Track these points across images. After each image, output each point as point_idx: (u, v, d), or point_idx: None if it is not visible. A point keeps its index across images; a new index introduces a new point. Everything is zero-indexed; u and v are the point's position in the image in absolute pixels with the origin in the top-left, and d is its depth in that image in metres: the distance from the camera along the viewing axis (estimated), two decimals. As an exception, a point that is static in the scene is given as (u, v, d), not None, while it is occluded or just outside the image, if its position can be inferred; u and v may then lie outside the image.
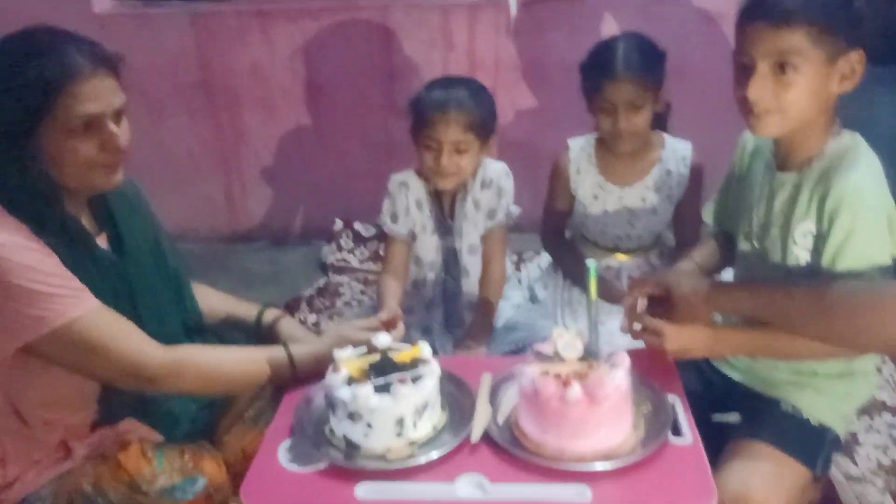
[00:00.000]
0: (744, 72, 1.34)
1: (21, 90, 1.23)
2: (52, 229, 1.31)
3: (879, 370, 2.05)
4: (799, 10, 1.29)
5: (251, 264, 2.89)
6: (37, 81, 1.23)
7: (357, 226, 2.92)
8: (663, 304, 1.46)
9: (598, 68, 1.91)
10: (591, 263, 1.30)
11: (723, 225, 1.67)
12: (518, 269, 2.38)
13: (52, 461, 1.37)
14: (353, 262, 2.83)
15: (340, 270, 2.78)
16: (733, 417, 1.60)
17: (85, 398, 1.40)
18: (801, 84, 1.31)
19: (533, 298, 2.16)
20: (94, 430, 1.42)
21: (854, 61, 1.32)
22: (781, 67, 1.31)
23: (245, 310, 1.72)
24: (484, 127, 1.80)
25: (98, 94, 1.28)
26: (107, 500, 1.27)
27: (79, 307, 1.28)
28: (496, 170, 1.92)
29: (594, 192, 2.06)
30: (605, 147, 2.03)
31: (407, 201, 1.91)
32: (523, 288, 2.21)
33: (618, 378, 1.23)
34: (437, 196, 1.92)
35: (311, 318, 2.47)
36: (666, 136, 2.04)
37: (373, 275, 2.69)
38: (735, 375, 1.58)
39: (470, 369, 1.43)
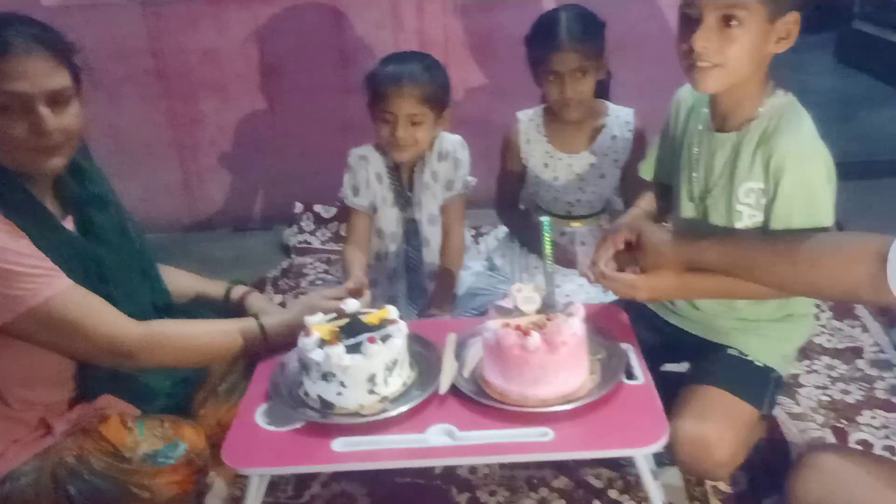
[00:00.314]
0: (689, 24, 1.38)
1: None
2: (20, 211, 1.33)
3: (817, 316, 2.19)
4: None
5: (213, 251, 2.90)
6: None
7: (317, 207, 2.95)
8: (631, 250, 1.50)
9: (542, 39, 1.99)
10: (544, 219, 1.37)
11: (660, 179, 1.72)
12: (476, 242, 2.46)
13: (33, 439, 1.40)
14: (315, 243, 2.87)
15: (303, 252, 2.82)
16: (683, 367, 1.68)
17: (62, 376, 1.43)
18: (744, 39, 1.35)
19: (492, 267, 2.24)
20: (72, 408, 1.45)
21: (790, 22, 1.38)
22: (726, 20, 1.34)
23: (213, 288, 1.75)
24: (437, 99, 1.87)
25: (28, 74, 1.27)
26: (91, 470, 1.30)
27: (54, 286, 1.31)
28: (452, 141, 1.98)
29: (544, 160, 2.14)
30: (553, 117, 2.11)
31: (367, 174, 1.97)
32: (482, 258, 2.29)
33: (574, 326, 1.31)
34: (396, 169, 1.98)
35: (277, 298, 2.51)
36: (608, 103, 2.13)
37: (335, 255, 2.74)
38: (684, 325, 1.66)
39: (436, 331, 1.50)
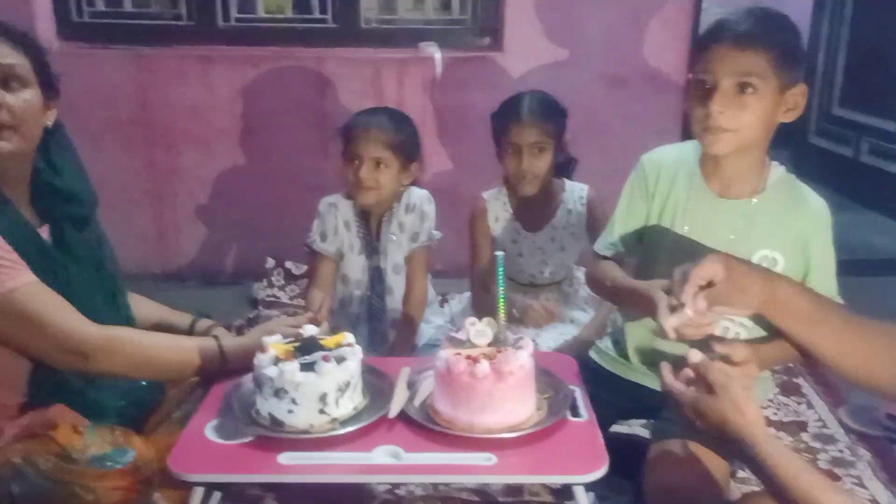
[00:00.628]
0: (703, 91, 1.43)
1: None
2: None
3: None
4: (763, 35, 1.42)
5: (180, 300, 2.91)
6: None
7: (288, 264, 3.01)
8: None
9: (505, 115, 2.15)
10: (498, 254, 1.44)
11: (629, 248, 1.68)
12: (441, 306, 2.51)
13: (-20, 441, 1.39)
14: (284, 297, 2.91)
15: (270, 305, 2.86)
16: (632, 429, 1.71)
17: (15, 379, 1.43)
18: (757, 106, 1.42)
19: (455, 327, 2.29)
20: (24, 413, 1.44)
21: (798, 94, 1.45)
22: (742, 88, 1.41)
23: (178, 318, 1.77)
24: (403, 148, 1.98)
25: None
26: (37, 470, 1.28)
27: (18, 279, 1.34)
28: (420, 195, 2.08)
29: (512, 237, 2.25)
30: (516, 196, 2.22)
31: (336, 221, 2.05)
32: (445, 318, 2.34)
33: (521, 358, 1.36)
34: (364, 218, 2.06)
35: (239, 347, 2.53)
36: (566, 181, 2.26)
37: (302, 310, 2.77)
38: (644, 381, 1.66)
39: (391, 367, 1.52)
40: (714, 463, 1.44)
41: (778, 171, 1.55)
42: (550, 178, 2.18)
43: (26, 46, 1.41)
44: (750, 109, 1.42)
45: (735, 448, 1.10)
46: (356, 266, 2.08)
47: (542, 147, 2.09)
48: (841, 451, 1.95)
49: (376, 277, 2.08)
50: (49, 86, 1.46)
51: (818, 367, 1.48)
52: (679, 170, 1.60)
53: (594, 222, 2.18)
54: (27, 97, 1.39)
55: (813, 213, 1.52)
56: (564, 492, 1.71)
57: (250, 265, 3.06)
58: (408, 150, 1.99)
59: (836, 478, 1.86)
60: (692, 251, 1.48)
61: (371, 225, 2.07)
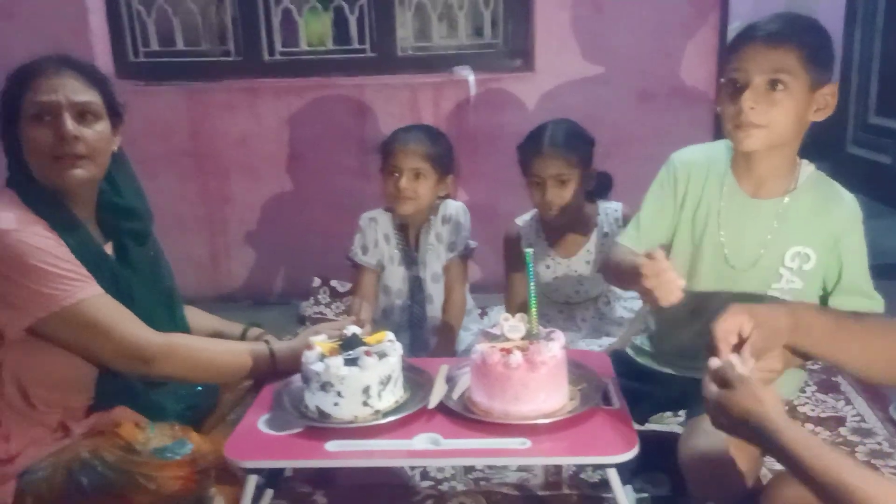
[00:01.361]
0: (736, 88, 1.47)
1: (4, 92, 1.48)
2: (63, 227, 1.49)
3: (803, 389, 2.25)
4: (793, 34, 1.46)
5: (231, 320, 3.05)
6: (11, 82, 1.47)
7: (334, 282, 3.12)
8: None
9: (529, 146, 2.14)
10: (527, 251, 1.51)
11: (651, 242, 1.69)
12: (481, 318, 2.59)
13: (52, 440, 1.50)
14: (330, 315, 3.01)
15: (317, 322, 2.95)
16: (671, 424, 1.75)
17: (83, 382, 1.54)
18: (788, 103, 1.45)
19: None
20: (90, 415, 1.55)
21: (829, 94, 1.49)
22: (773, 85, 1.45)
23: (230, 328, 1.88)
24: (439, 160, 2.08)
25: (57, 88, 1.47)
26: (103, 463, 1.39)
27: (86, 290, 1.46)
28: (455, 207, 2.18)
29: (546, 263, 2.24)
30: (547, 222, 2.22)
31: (376, 235, 2.16)
32: (485, 325, 2.41)
33: (553, 349, 1.42)
34: (403, 230, 2.17)
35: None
36: (599, 202, 2.24)
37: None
38: (678, 371, 1.70)
39: (431, 366, 1.61)
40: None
41: (808, 169, 1.59)
42: (581, 205, 2.16)
43: (96, 81, 1.55)
44: (781, 106, 1.45)
45: (760, 438, 1.10)
46: (397, 277, 2.17)
47: (565, 179, 2.07)
48: (879, 444, 1.96)
49: (416, 287, 2.17)
50: (116, 114, 1.59)
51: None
52: (711, 170, 1.63)
53: None
54: (100, 129, 1.53)
55: (845, 209, 1.56)
56: (602, 485, 1.77)
57: (298, 285, 3.18)
58: (444, 162, 2.10)
59: (874, 469, 1.86)
60: (729, 254, 1.57)
61: (410, 237, 2.17)
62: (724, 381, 1.16)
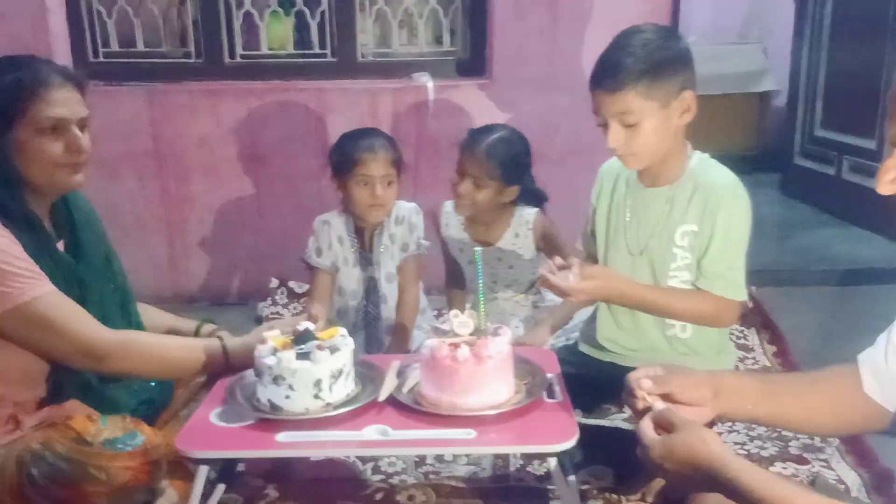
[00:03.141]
0: (604, 127, 1.66)
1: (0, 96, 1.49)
2: (18, 223, 1.52)
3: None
4: (627, 76, 1.58)
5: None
6: (13, 88, 1.49)
7: (291, 283, 3.14)
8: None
9: (464, 140, 2.23)
10: (476, 249, 1.58)
11: (592, 250, 1.90)
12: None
13: (3, 432, 1.52)
14: (287, 315, 3.03)
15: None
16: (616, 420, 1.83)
17: (35, 377, 1.57)
18: (645, 130, 1.61)
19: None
20: (41, 408, 1.57)
21: (687, 99, 1.63)
22: (624, 122, 1.61)
23: (184, 324, 1.91)
24: (399, 164, 2.14)
25: (66, 102, 1.54)
26: (54, 453, 1.40)
27: (39, 288, 1.48)
28: (408, 208, 2.23)
29: (460, 246, 2.34)
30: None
31: (330, 237, 2.20)
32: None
33: (500, 344, 1.49)
34: (357, 232, 2.21)
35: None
36: (517, 207, 2.29)
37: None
38: (621, 361, 1.79)
39: (383, 362, 1.66)
40: None
41: (697, 157, 1.73)
42: (496, 206, 2.22)
43: (84, 91, 1.61)
44: (641, 134, 1.62)
45: (708, 477, 1.07)
46: (352, 278, 2.22)
47: (480, 184, 2.14)
48: (811, 439, 2.04)
49: (371, 287, 2.21)
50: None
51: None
52: (622, 171, 1.81)
53: (545, 244, 2.27)
54: (89, 137, 1.61)
55: (720, 187, 1.67)
56: (547, 478, 1.83)
57: (256, 286, 3.19)
58: (400, 164, 2.15)
59: (805, 462, 1.95)
60: (629, 240, 1.77)
61: (364, 238, 2.21)
62: (667, 424, 1.14)
